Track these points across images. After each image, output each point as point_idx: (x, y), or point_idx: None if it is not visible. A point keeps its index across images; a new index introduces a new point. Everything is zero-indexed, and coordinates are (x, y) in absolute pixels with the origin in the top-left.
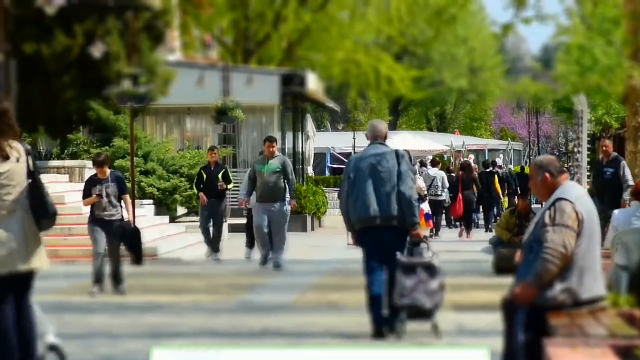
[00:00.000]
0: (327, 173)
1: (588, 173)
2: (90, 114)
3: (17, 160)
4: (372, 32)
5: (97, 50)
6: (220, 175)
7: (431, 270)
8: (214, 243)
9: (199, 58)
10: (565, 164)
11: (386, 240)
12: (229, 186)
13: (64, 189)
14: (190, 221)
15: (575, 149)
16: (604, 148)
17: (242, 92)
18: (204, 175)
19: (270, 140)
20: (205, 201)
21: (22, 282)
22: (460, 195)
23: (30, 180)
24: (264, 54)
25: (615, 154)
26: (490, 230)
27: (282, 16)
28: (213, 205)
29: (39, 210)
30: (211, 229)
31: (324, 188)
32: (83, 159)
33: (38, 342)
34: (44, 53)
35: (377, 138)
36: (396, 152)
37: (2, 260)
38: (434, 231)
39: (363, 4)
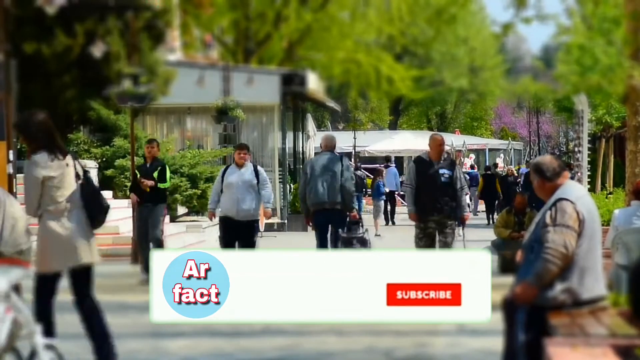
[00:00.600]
0: None
1: (589, 172)
2: (90, 113)
3: (67, 165)
4: (373, 32)
5: (97, 50)
6: (155, 174)
7: (363, 242)
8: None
9: (199, 58)
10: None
11: (332, 219)
12: (162, 185)
13: None
14: (191, 221)
15: (576, 149)
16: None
17: (243, 91)
18: (138, 175)
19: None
20: (135, 202)
21: (82, 277)
22: None
23: (81, 181)
24: (265, 53)
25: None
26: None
27: (283, 16)
28: (149, 211)
29: (92, 208)
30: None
31: None
32: (84, 158)
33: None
34: (44, 53)
35: (328, 147)
36: (340, 156)
37: (59, 258)
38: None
39: (364, 4)
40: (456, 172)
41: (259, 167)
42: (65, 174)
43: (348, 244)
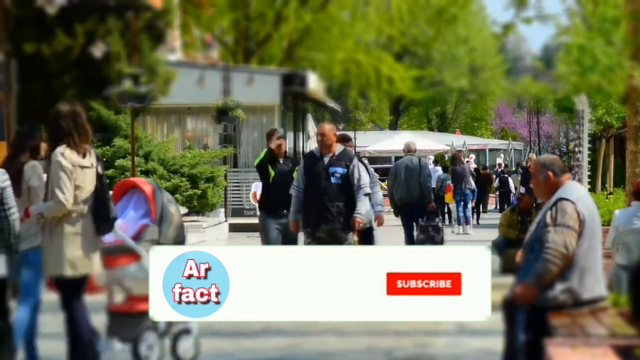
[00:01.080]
0: None
1: (589, 173)
2: (91, 113)
3: (91, 165)
4: (373, 32)
5: (97, 50)
6: (295, 174)
7: (437, 229)
8: None
9: (199, 58)
10: (567, 164)
11: (414, 211)
12: None
13: None
14: (191, 221)
15: (576, 149)
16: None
17: (243, 92)
18: (272, 173)
19: None
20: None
21: (76, 285)
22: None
23: (96, 184)
24: (265, 53)
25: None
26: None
27: (283, 16)
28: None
29: (101, 214)
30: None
31: None
32: None
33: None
34: (44, 53)
35: (410, 151)
36: (419, 158)
37: (76, 262)
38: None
39: (364, 4)
40: (352, 169)
41: (365, 161)
42: (86, 173)
43: (425, 231)
